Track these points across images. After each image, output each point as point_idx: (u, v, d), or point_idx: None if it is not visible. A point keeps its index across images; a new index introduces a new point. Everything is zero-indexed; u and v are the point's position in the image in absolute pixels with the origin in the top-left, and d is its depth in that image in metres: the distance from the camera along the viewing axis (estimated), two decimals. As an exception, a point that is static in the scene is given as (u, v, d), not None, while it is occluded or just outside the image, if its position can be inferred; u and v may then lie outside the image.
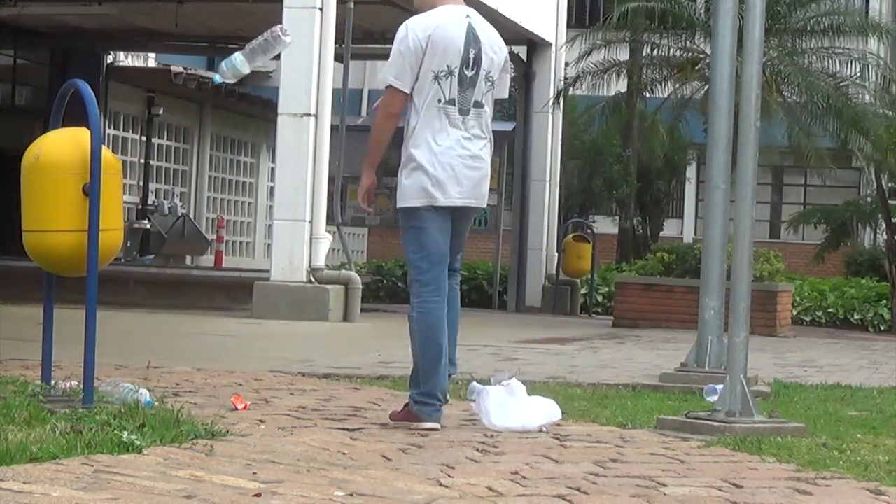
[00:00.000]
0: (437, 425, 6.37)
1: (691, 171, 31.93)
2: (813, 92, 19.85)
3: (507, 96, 7.06)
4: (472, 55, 6.54)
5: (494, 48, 6.64)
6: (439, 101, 6.50)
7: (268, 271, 16.08)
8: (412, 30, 6.51)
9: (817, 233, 26.85)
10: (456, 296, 6.79)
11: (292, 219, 15.79)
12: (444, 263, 6.64)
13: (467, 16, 6.61)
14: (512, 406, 6.55)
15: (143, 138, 26.61)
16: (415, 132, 6.52)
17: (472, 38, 6.56)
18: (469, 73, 6.54)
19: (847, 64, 20.52)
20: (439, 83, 6.50)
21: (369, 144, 6.68)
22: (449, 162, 6.51)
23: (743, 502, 4.78)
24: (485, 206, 6.97)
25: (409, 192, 6.57)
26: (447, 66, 6.48)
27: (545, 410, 6.62)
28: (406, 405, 6.50)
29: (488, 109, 6.66)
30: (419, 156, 6.50)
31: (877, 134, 19.93)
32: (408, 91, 6.49)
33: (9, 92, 24.68)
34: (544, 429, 6.46)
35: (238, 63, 6.65)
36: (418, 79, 6.47)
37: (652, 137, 24.82)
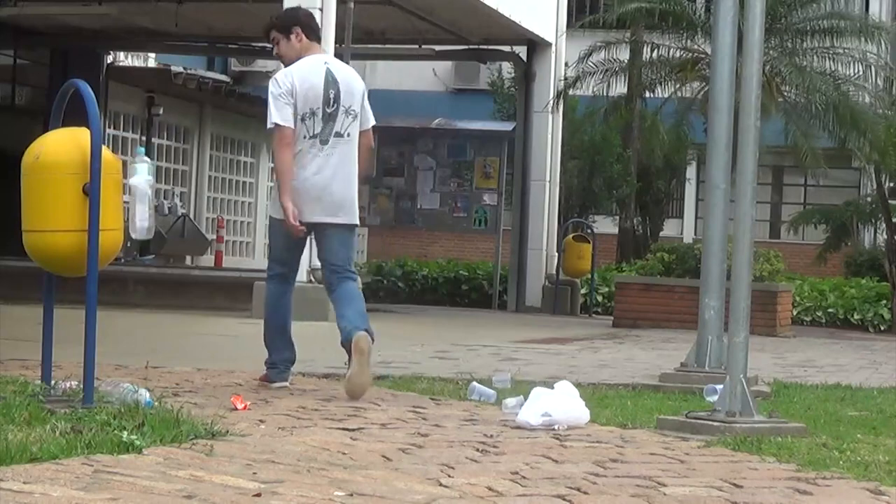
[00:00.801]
0: (285, 384, 7.97)
1: (691, 171, 31.91)
2: (812, 92, 19.84)
3: (374, 123, 8.12)
4: (331, 95, 7.85)
5: (351, 86, 7.93)
6: (305, 136, 7.79)
7: (268, 271, 16.05)
8: (280, 80, 7.84)
9: (817, 233, 26.84)
10: (354, 288, 7.95)
11: (292, 219, 15.76)
12: (291, 265, 8.08)
13: (325, 62, 7.96)
14: (541, 405, 6.63)
15: (143, 138, 26.61)
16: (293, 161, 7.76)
17: (330, 81, 7.86)
18: (329, 110, 7.83)
19: (848, 64, 20.52)
20: (305, 123, 7.79)
21: (277, 176, 7.95)
22: (314, 185, 7.78)
23: (743, 502, 4.78)
24: (355, 222, 8.00)
25: (275, 207, 8.00)
26: (310, 108, 7.79)
27: (574, 414, 6.67)
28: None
29: (354, 139, 7.90)
30: (295, 180, 7.75)
31: (875, 134, 19.93)
32: (292, 126, 7.76)
33: (9, 92, 24.68)
34: (559, 427, 6.50)
35: None
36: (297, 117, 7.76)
37: (652, 137, 24.81)
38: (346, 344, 7.72)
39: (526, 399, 6.90)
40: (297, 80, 7.80)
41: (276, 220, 8.00)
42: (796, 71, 19.77)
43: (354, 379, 7.53)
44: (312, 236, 8.04)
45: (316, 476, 4.85)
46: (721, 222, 8.91)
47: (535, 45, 22.39)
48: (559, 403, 6.67)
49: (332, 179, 7.81)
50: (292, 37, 8.01)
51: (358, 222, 8.05)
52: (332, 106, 7.83)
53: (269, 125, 7.83)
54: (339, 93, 7.85)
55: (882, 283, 22.48)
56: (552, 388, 6.91)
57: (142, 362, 8.78)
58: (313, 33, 8.12)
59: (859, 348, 15.68)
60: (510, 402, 7.18)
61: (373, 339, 7.73)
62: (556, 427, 6.52)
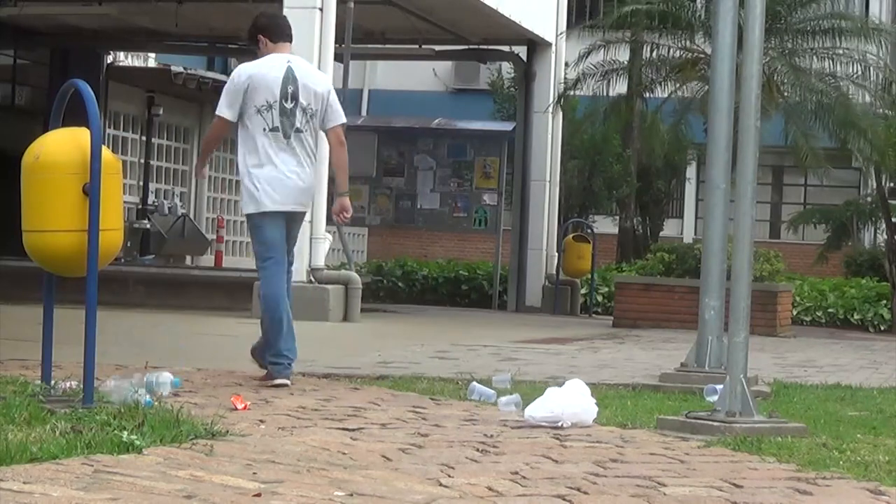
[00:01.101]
0: (286, 381, 8.03)
1: (691, 171, 31.91)
2: (812, 92, 19.84)
3: (343, 121, 8.51)
4: (290, 91, 8.28)
5: (312, 85, 8.38)
6: (264, 129, 8.23)
7: (268, 271, 16.06)
8: (238, 72, 8.41)
9: (817, 233, 26.84)
10: (288, 280, 8.38)
11: (292, 219, 15.78)
12: (281, 251, 8.36)
13: (288, 61, 8.40)
14: (550, 401, 6.65)
15: (143, 138, 26.60)
16: (256, 153, 8.25)
17: (290, 78, 8.30)
18: (288, 106, 8.27)
19: (847, 65, 20.51)
20: (261, 114, 8.23)
21: (202, 148, 9.04)
22: (276, 176, 8.23)
23: (743, 502, 4.78)
24: (307, 210, 8.72)
25: (249, 203, 8.33)
26: (266, 101, 8.23)
27: (582, 411, 6.68)
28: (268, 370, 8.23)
29: (310, 135, 8.35)
30: (252, 171, 8.24)
31: (875, 134, 19.91)
32: (231, 120, 8.28)
33: (9, 92, 24.68)
34: (563, 423, 6.52)
35: None
36: (245, 111, 8.25)
37: (651, 137, 24.80)
38: (268, 374, 8.24)
39: (523, 398, 6.94)
40: (250, 75, 8.32)
41: (254, 215, 8.35)
42: (794, 71, 19.76)
43: None
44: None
45: (316, 476, 4.85)
46: (721, 222, 8.91)
47: (535, 46, 22.38)
48: (567, 400, 6.68)
49: (299, 172, 8.31)
50: (259, 43, 8.60)
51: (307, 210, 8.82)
52: (291, 102, 8.29)
53: (216, 112, 8.41)
54: (298, 90, 8.31)
55: (882, 283, 22.47)
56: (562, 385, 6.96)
57: (142, 362, 8.78)
58: (276, 35, 8.61)
59: (859, 348, 15.68)
60: (503, 399, 7.31)
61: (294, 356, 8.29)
62: (560, 424, 6.52)
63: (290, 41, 8.66)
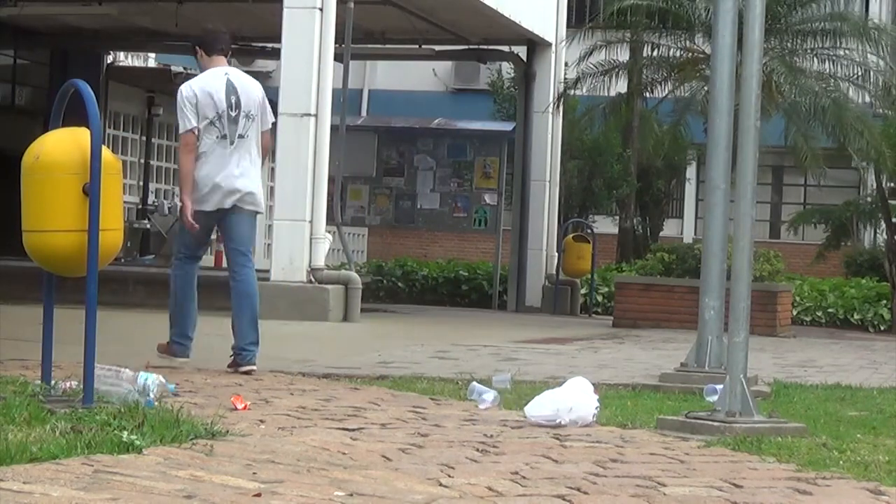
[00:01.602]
0: (186, 360, 9.18)
1: (691, 171, 31.90)
2: (811, 93, 19.83)
3: (270, 125, 9.39)
4: (233, 100, 9.06)
5: (250, 92, 9.15)
6: (216, 137, 9.02)
7: (268, 271, 16.06)
8: (185, 90, 9.10)
9: (817, 233, 26.83)
10: (251, 280, 9.31)
11: (292, 219, 15.79)
12: (202, 249, 9.60)
13: (226, 73, 9.18)
14: (549, 399, 6.66)
15: (143, 138, 26.60)
16: (201, 159, 8.99)
17: (230, 88, 9.09)
18: (233, 114, 9.05)
19: (847, 66, 20.50)
20: (214, 125, 9.01)
21: (181, 177, 9.18)
22: (226, 177, 9.00)
23: (743, 502, 4.78)
24: (260, 210, 9.29)
25: (197, 200, 9.04)
26: (216, 112, 9.01)
27: (581, 409, 6.69)
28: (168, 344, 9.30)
29: (254, 138, 9.13)
30: (203, 175, 8.97)
31: (873, 135, 19.90)
32: (195, 133, 8.99)
33: (9, 92, 24.68)
34: (563, 422, 6.52)
35: None
36: (200, 122, 8.98)
37: (646, 136, 24.80)
38: (235, 363, 9.07)
39: (523, 398, 6.97)
40: (197, 90, 9.08)
41: (196, 213, 9.10)
42: (793, 71, 19.75)
43: None
44: (218, 225, 9.34)
45: (316, 476, 4.85)
46: (721, 222, 8.90)
47: (535, 46, 22.38)
48: (567, 400, 6.68)
49: (241, 172, 9.07)
50: (197, 55, 9.37)
51: (262, 210, 9.39)
52: (235, 110, 9.07)
53: (181, 131, 9.10)
54: (240, 99, 9.10)
55: (882, 283, 22.46)
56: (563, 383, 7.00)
57: (142, 362, 8.77)
58: (212, 49, 9.30)
59: (859, 348, 15.67)
60: (488, 395, 7.50)
61: (258, 343, 9.11)
62: (559, 422, 6.52)
63: (225, 55, 9.36)
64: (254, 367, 8.94)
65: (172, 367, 8.99)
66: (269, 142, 9.53)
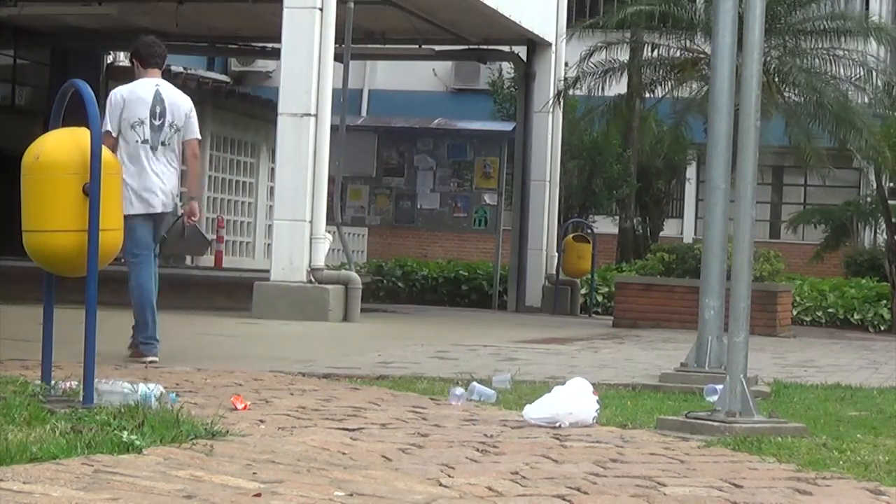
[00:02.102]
0: (155, 358, 9.36)
1: (691, 171, 31.91)
2: (811, 92, 19.83)
3: (198, 136, 10.04)
4: (158, 110, 9.73)
5: (176, 105, 9.82)
6: (137, 141, 9.66)
7: (268, 271, 16.08)
8: (114, 94, 9.81)
9: (817, 233, 26.83)
10: (154, 275, 10.02)
11: (292, 219, 15.79)
12: (149, 248, 9.92)
13: (157, 85, 9.84)
14: (548, 402, 6.67)
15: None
16: (124, 162, 9.34)
17: (157, 99, 9.74)
18: (157, 122, 9.72)
19: (847, 65, 20.50)
20: (135, 129, 9.66)
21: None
22: (146, 182, 9.63)
23: (743, 502, 4.78)
24: (175, 211, 9.98)
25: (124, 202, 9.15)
26: (138, 118, 9.66)
27: (581, 414, 6.70)
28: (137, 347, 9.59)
29: (175, 146, 9.80)
30: (127, 179, 9.16)
31: (874, 134, 19.91)
32: (114, 133, 9.60)
33: (9, 92, 24.68)
34: (564, 424, 6.53)
35: None
36: (122, 127, 9.63)
37: (644, 135, 24.80)
38: (137, 350, 9.57)
39: (523, 398, 6.99)
40: (125, 96, 9.74)
41: (127, 217, 9.41)
42: (796, 71, 19.75)
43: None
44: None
45: (316, 476, 4.85)
46: (721, 222, 8.90)
47: (535, 46, 22.38)
48: (566, 400, 6.68)
49: (162, 177, 9.70)
50: (134, 66, 10.02)
51: (172, 210, 9.99)
52: (159, 119, 9.74)
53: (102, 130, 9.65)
54: (165, 110, 9.76)
55: (882, 283, 22.47)
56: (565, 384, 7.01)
57: (141, 362, 8.78)
58: (146, 62, 9.96)
59: (859, 348, 15.67)
60: (458, 391, 7.61)
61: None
62: (558, 424, 6.52)
63: (159, 67, 10.03)
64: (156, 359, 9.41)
65: (172, 369, 8.98)
66: (196, 150, 10.08)
